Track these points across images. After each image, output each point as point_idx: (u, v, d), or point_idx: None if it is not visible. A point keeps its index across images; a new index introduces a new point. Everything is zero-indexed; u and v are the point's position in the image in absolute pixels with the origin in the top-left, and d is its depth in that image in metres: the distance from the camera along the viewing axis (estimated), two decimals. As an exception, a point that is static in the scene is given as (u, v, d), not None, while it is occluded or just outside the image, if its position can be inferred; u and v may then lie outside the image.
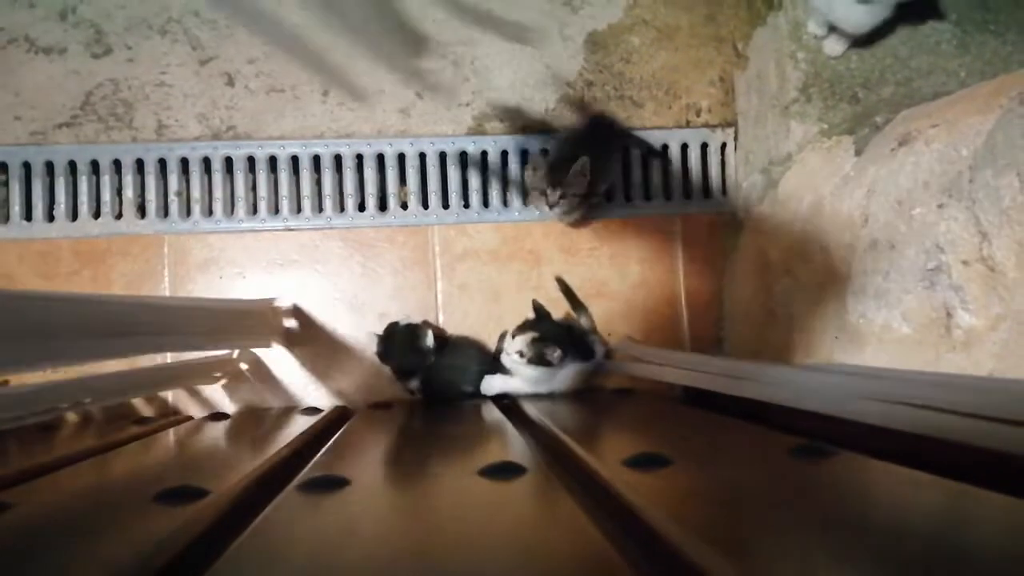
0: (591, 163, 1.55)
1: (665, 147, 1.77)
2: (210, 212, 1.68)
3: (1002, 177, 0.95)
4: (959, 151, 1.05)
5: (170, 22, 1.71)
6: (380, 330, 1.58)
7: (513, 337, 1.49)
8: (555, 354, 1.46)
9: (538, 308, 1.56)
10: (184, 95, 1.70)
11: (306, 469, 0.86)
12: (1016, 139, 0.93)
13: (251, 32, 1.70)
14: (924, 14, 1.42)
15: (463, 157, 1.74)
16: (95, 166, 1.66)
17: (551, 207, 1.57)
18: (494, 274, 1.70)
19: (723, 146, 1.77)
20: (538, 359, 1.46)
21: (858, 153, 1.36)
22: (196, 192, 1.67)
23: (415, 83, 1.72)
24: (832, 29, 1.43)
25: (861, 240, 1.22)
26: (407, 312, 1.65)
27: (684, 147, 1.77)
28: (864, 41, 1.42)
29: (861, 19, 1.35)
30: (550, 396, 1.52)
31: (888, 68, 1.44)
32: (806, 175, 1.45)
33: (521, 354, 1.47)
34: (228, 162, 1.69)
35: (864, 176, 1.25)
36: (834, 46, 1.43)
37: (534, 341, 1.46)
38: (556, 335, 1.49)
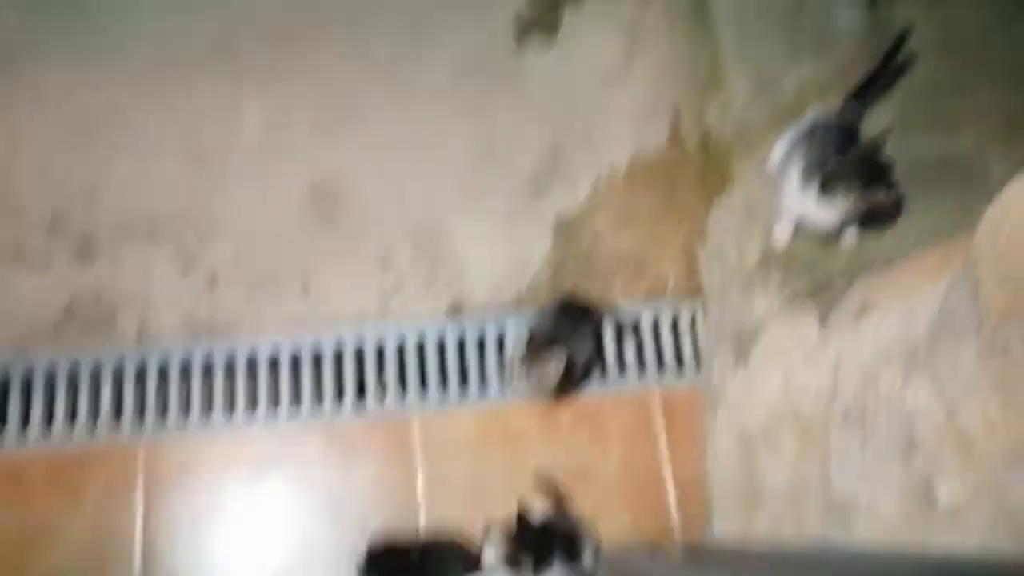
0: (564, 344, 1.57)
1: (637, 321, 1.79)
2: (187, 417, 1.66)
3: (959, 346, 0.95)
4: (916, 320, 1.06)
5: (156, 228, 1.77)
6: (359, 545, 1.51)
7: (492, 541, 1.44)
8: (530, 564, 1.40)
9: (520, 513, 1.50)
10: (167, 298, 1.74)
11: None
12: (965, 309, 0.95)
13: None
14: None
15: (441, 342, 1.75)
16: (74, 375, 1.66)
17: (528, 394, 1.57)
18: (476, 462, 1.66)
19: (693, 318, 1.79)
20: (514, 566, 1.40)
21: (821, 321, 1.37)
22: (174, 396, 1.67)
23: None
24: (797, 224, 1.48)
25: (834, 413, 1.21)
26: (388, 515, 1.59)
27: (655, 321, 1.79)
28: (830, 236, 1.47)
29: (829, 218, 1.40)
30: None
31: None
32: (774, 345, 1.46)
33: (499, 560, 1.41)
34: (207, 364, 1.70)
35: (829, 347, 1.26)
36: (782, 236, 1.48)
37: (511, 552, 1.41)
38: (537, 541, 1.44)
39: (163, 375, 1.69)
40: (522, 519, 1.47)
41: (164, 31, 1.89)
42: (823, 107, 1.51)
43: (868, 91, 1.51)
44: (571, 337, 1.61)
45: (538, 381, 1.56)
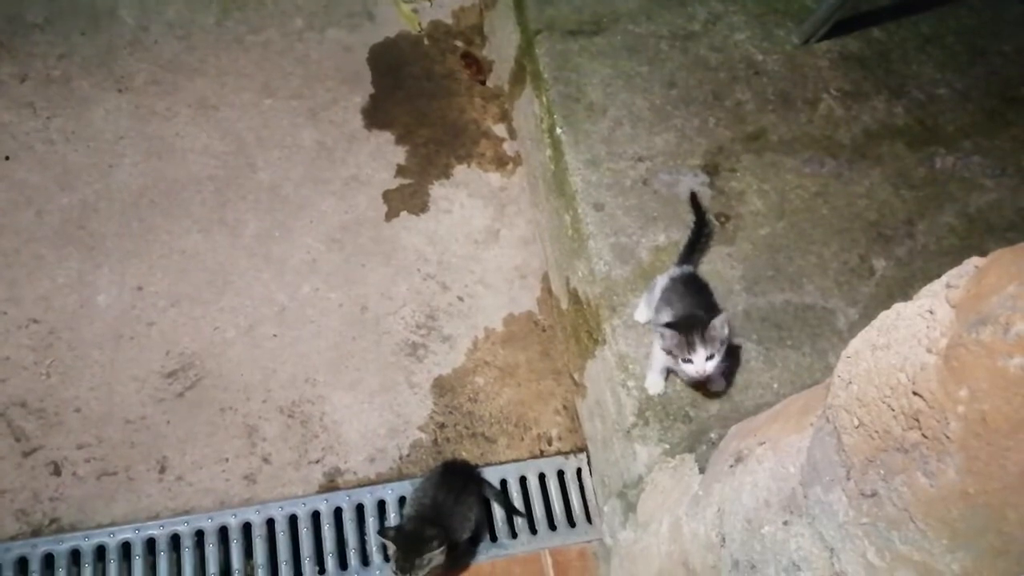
0: (446, 515, 1.54)
1: (523, 479, 1.77)
2: (20, 625, 1.46)
3: (830, 492, 1.00)
4: (788, 469, 1.11)
5: (-6, 414, 1.62)
6: None
7: None
8: None
9: None
10: (2, 491, 1.56)
11: None
12: (831, 456, 1.00)
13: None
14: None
15: (316, 517, 1.65)
16: None
17: None
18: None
19: (579, 472, 1.80)
20: None
21: (702, 470, 1.41)
22: (5, 602, 1.47)
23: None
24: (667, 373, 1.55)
25: (724, 561, 1.22)
26: None
27: (541, 477, 1.78)
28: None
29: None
30: None
31: (710, 386, 1.56)
32: (660, 496, 1.48)
33: None
34: (48, 559, 1.51)
35: (712, 495, 1.29)
36: (656, 387, 1.55)
37: None
38: None
39: (-6, 578, 1.49)
40: None
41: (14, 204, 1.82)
42: (671, 266, 1.62)
43: (693, 250, 1.64)
44: (452, 513, 1.57)
45: (422, 567, 1.49)
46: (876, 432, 0.93)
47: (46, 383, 1.66)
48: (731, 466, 1.27)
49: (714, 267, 1.67)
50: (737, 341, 1.58)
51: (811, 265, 1.67)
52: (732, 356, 1.54)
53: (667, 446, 1.52)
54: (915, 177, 1.81)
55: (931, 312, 0.87)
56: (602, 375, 1.69)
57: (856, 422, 0.96)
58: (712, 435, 1.49)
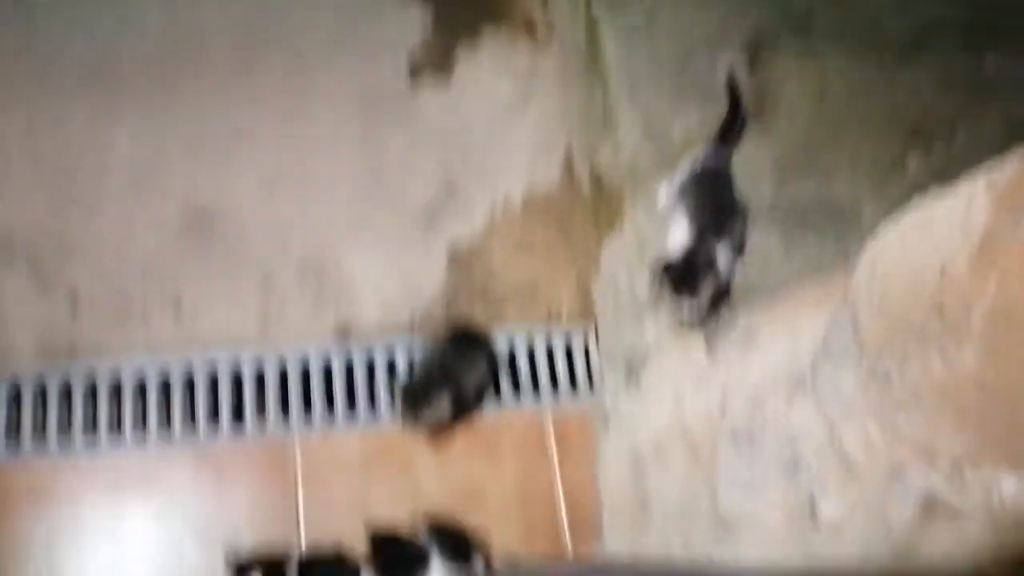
0: (452, 379, 1.58)
1: (531, 346, 1.81)
2: (43, 439, 1.52)
3: (840, 373, 1.03)
4: (799, 349, 1.14)
5: (11, 244, 1.63)
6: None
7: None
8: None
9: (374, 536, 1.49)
10: (20, 318, 1.59)
11: None
12: (846, 338, 1.02)
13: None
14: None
15: (327, 366, 1.70)
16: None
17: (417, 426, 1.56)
18: (363, 485, 1.62)
19: (586, 344, 1.83)
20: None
21: (709, 347, 1.44)
22: (27, 419, 1.52)
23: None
24: None
25: (722, 432, 1.27)
26: (264, 538, 1.51)
27: (549, 346, 1.82)
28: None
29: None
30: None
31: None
32: (665, 369, 1.52)
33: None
34: (66, 385, 1.56)
35: (718, 371, 1.33)
36: None
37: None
38: (404, 557, 1.42)
39: (15, 397, 1.54)
40: (377, 540, 1.45)
41: (33, 50, 1.76)
42: (698, 151, 1.59)
43: (729, 133, 1.59)
44: (461, 369, 1.62)
45: (426, 417, 1.54)
46: (896, 317, 0.94)
47: (64, 216, 1.67)
48: (740, 346, 1.30)
49: (746, 152, 1.63)
50: (761, 229, 1.57)
51: (844, 159, 1.65)
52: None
53: (676, 325, 1.55)
54: (962, 78, 1.75)
55: (970, 201, 0.86)
56: (619, 254, 1.70)
57: (876, 307, 0.97)
58: (724, 315, 1.51)
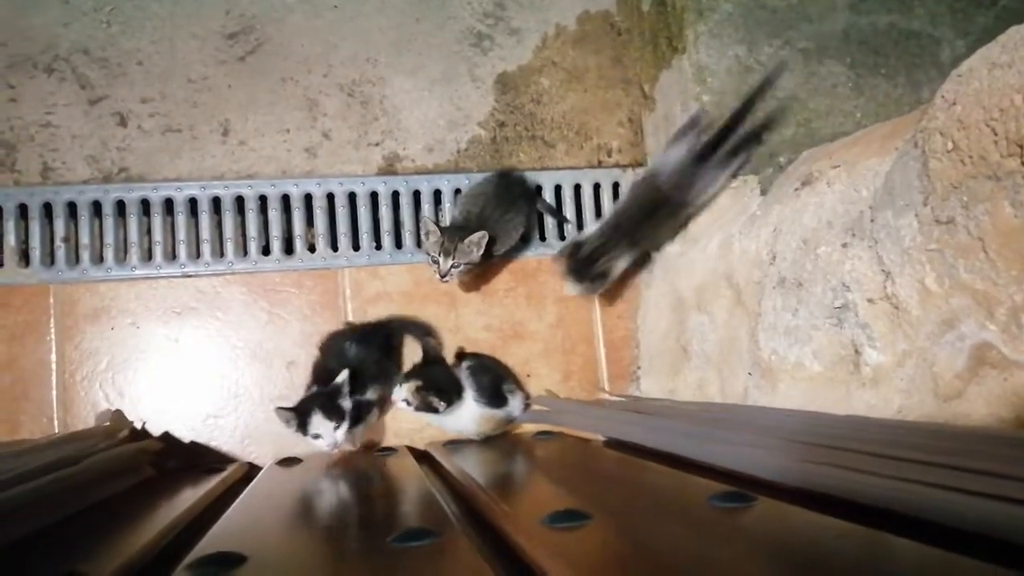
0: (492, 225, 1.55)
1: (578, 187, 1.77)
2: (100, 259, 1.57)
3: (901, 217, 0.97)
4: (859, 192, 1.08)
5: (57, 60, 1.61)
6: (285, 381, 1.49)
7: (400, 384, 1.45)
8: (440, 403, 1.42)
9: (430, 348, 1.53)
10: (72, 136, 1.60)
11: (200, 544, 0.79)
12: (912, 181, 0.96)
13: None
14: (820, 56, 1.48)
15: (374, 197, 1.69)
16: (-30, 211, 1.54)
17: (441, 276, 1.52)
18: (409, 315, 1.65)
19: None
20: (424, 407, 1.43)
21: (763, 192, 1.38)
22: (85, 238, 1.57)
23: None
24: None
25: (770, 277, 1.24)
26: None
27: (596, 187, 1.77)
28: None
29: None
30: (470, 441, 1.49)
31: (788, 109, 1.48)
32: (716, 214, 1.47)
33: (407, 402, 1.43)
34: (120, 206, 1.59)
35: (770, 215, 1.27)
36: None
37: (418, 390, 1.43)
38: (444, 379, 1.46)
39: (72, 216, 1.58)
40: (430, 353, 1.50)
41: None
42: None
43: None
44: (499, 221, 1.59)
45: (452, 266, 1.52)
46: (969, 157, 0.87)
47: (107, 31, 1.63)
48: (796, 189, 1.24)
49: (821, -23, 1.50)
50: (829, 64, 1.47)
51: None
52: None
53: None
54: None
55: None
56: (675, 87, 1.61)
57: (950, 145, 0.90)
58: (781, 159, 1.44)
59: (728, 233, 1.39)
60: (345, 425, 1.39)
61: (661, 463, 1.06)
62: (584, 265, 1.48)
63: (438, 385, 1.44)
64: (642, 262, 1.64)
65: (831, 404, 1.08)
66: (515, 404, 1.55)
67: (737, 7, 1.53)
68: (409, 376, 1.46)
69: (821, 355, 1.11)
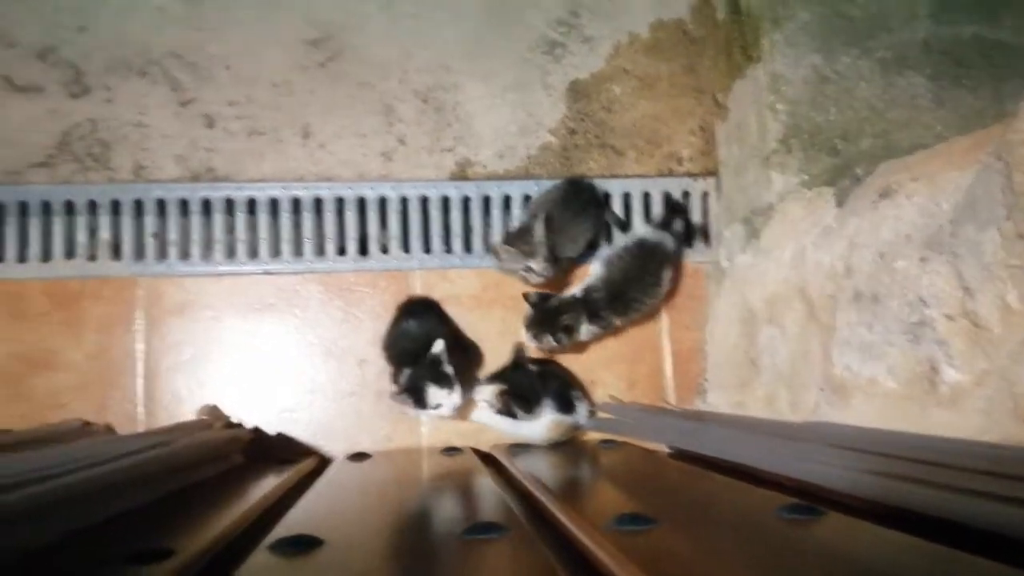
0: (558, 229, 1.59)
1: (647, 195, 1.77)
2: (186, 255, 1.65)
3: (983, 232, 0.95)
4: (940, 205, 1.06)
5: (150, 64, 1.69)
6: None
7: (484, 383, 1.48)
8: (521, 411, 1.45)
9: (517, 352, 1.55)
10: (162, 136, 1.68)
11: (277, 528, 0.83)
12: (995, 194, 0.94)
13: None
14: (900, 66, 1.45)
15: (445, 202, 1.73)
16: (70, 206, 1.63)
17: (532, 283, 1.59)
18: (476, 320, 1.68)
19: (704, 195, 1.78)
20: (505, 411, 1.45)
21: (839, 204, 1.36)
22: (172, 234, 1.65)
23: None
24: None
25: (844, 291, 1.22)
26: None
27: (666, 196, 1.77)
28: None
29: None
30: (534, 446, 1.51)
31: (866, 120, 1.46)
32: (788, 225, 1.46)
33: (489, 404, 1.46)
34: (206, 204, 1.67)
35: (846, 227, 1.26)
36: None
37: (501, 393, 1.45)
38: (527, 386, 1.48)
39: (161, 213, 1.66)
40: (519, 355, 1.52)
41: None
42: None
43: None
44: (565, 231, 1.61)
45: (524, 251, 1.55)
46: (1060, 174, 0.85)
47: (197, 36, 1.71)
48: (874, 201, 1.22)
49: (904, -15, 1.47)
50: (908, 74, 1.44)
51: (1016, -5, 1.45)
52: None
53: (806, 177, 1.47)
54: None
55: None
56: (749, 96, 1.60)
57: (1039, 161, 0.88)
58: (858, 171, 1.41)
59: (801, 245, 1.37)
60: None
61: (727, 475, 1.06)
62: (550, 316, 1.52)
63: (522, 392, 1.47)
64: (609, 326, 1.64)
65: (906, 422, 1.06)
66: (582, 411, 1.57)
67: (814, 16, 1.51)
68: (494, 379, 1.49)
69: (896, 372, 1.09)
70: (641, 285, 1.59)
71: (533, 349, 1.60)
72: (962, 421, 0.97)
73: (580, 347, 1.67)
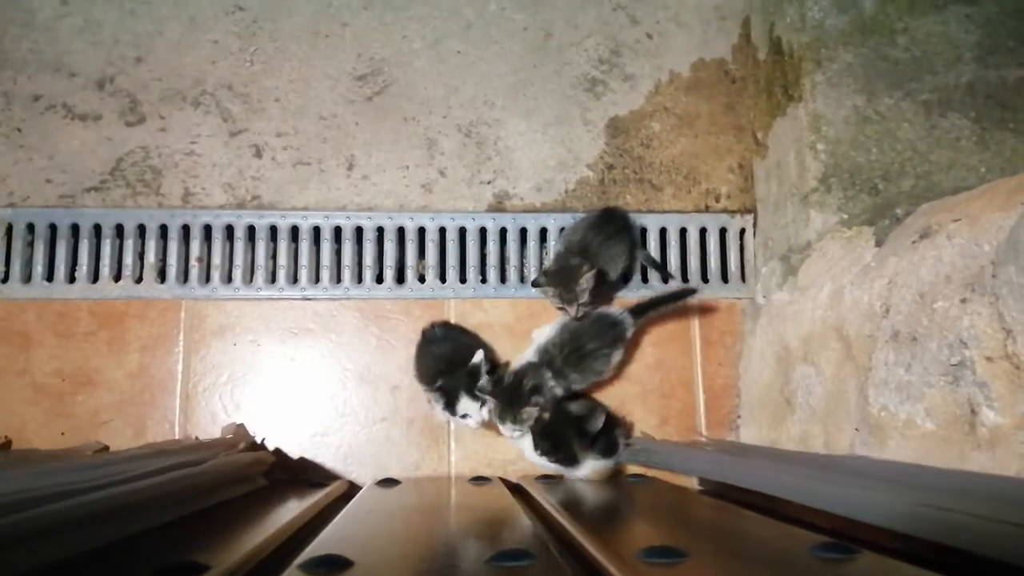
0: (593, 251, 1.60)
1: (684, 231, 1.77)
2: (229, 279, 1.69)
3: (1026, 274, 0.94)
4: (981, 246, 1.05)
5: (204, 95, 1.76)
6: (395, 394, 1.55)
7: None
8: (563, 467, 1.47)
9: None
10: (212, 164, 1.74)
11: (308, 548, 0.83)
12: (1040, 236, 0.93)
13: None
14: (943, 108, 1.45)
15: (483, 233, 1.75)
16: (119, 230, 1.69)
17: (576, 317, 1.58)
18: (510, 349, 1.68)
19: (742, 232, 1.77)
20: (544, 454, 1.45)
21: (878, 244, 1.35)
22: (217, 259, 1.69)
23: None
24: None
25: (882, 331, 1.21)
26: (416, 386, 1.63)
27: (703, 231, 1.77)
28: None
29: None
30: (562, 477, 1.50)
31: (908, 161, 1.45)
32: (826, 263, 1.45)
33: (534, 446, 1.46)
34: (250, 231, 1.72)
35: (885, 267, 1.25)
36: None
37: (543, 453, 1.46)
38: (568, 440, 1.47)
39: (207, 238, 1.71)
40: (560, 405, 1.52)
41: None
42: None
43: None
44: (599, 255, 1.61)
45: (564, 297, 1.56)
46: (1105, 215, 0.84)
47: (250, 70, 1.77)
48: (914, 241, 1.21)
49: (947, 28, 1.47)
50: (952, 116, 1.44)
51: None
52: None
53: (845, 216, 1.46)
54: None
55: None
56: (789, 135, 1.60)
57: (1083, 202, 0.87)
58: (898, 211, 1.41)
59: (839, 284, 1.36)
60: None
61: (759, 513, 1.05)
62: (513, 391, 1.47)
63: (563, 445, 1.46)
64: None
65: (943, 464, 1.04)
66: (623, 452, 1.55)
67: (857, 57, 1.52)
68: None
69: (934, 413, 1.07)
70: (598, 344, 1.56)
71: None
72: (1002, 465, 0.95)
73: (611, 382, 1.67)
